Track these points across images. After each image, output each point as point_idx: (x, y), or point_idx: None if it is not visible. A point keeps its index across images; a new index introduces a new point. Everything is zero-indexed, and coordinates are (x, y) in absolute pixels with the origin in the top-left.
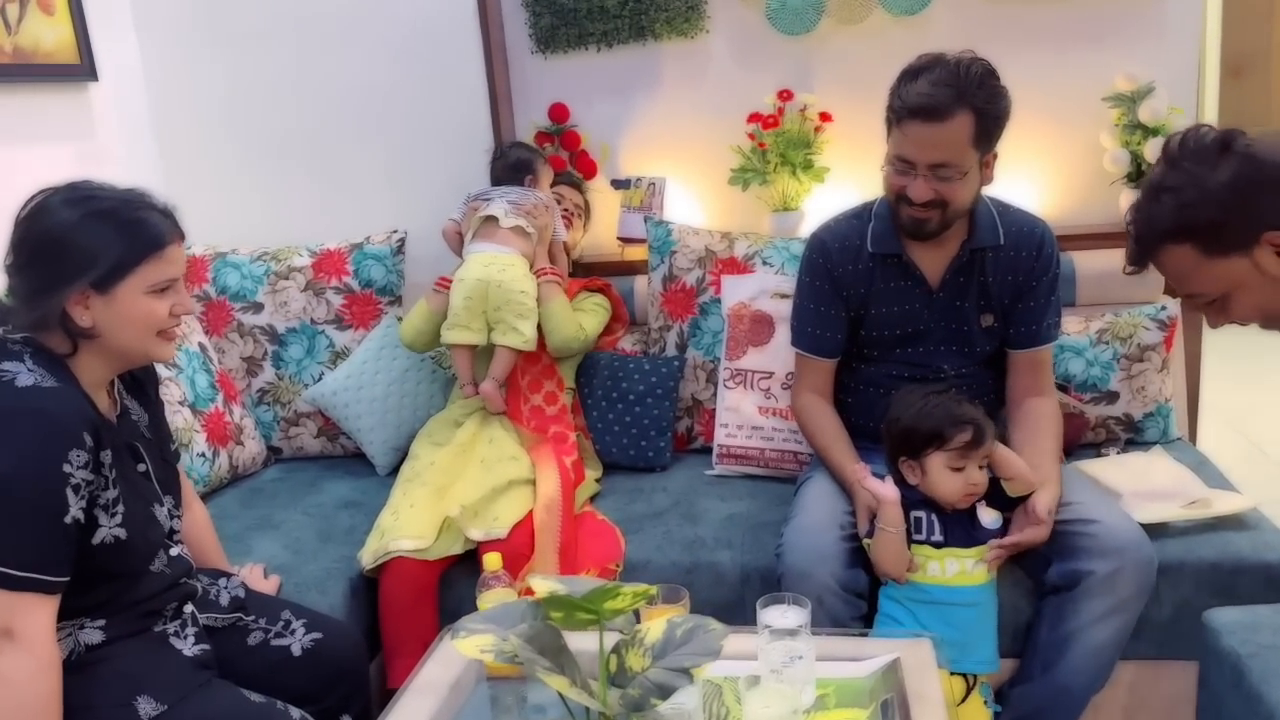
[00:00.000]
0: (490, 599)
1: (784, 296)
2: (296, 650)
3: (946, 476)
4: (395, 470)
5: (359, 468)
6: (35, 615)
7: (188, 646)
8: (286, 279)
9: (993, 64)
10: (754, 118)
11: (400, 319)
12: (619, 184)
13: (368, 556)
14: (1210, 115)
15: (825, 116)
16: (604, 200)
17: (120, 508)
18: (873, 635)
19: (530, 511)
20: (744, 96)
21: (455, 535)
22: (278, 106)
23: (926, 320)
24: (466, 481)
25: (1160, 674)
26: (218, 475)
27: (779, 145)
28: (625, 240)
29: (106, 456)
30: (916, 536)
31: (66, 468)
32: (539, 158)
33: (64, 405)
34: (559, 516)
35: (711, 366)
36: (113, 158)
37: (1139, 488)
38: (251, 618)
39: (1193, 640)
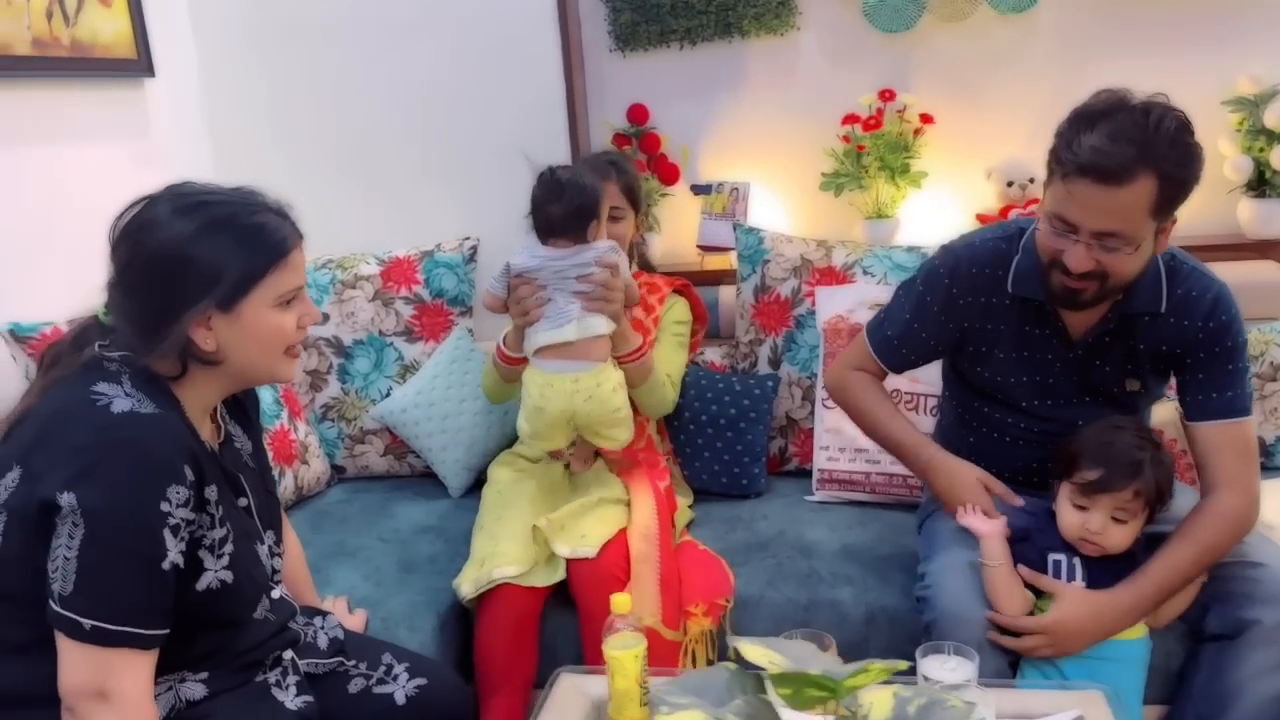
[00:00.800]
0: (617, 643)
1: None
2: (400, 698)
3: (1068, 511)
4: (469, 492)
5: (429, 489)
6: (131, 673)
7: (290, 699)
8: (353, 288)
9: (1183, 118)
10: (849, 119)
11: (471, 330)
12: (699, 189)
13: (468, 585)
14: None
15: (926, 118)
16: (683, 206)
17: (228, 548)
18: (1031, 687)
19: (621, 531)
20: (836, 97)
21: (555, 561)
22: (339, 106)
23: (1059, 375)
24: (557, 499)
25: None
26: (283, 497)
27: (878, 148)
28: (706, 248)
29: (211, 492)
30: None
31: (164, 506)
32: (599, 194)
33: (163, 434)
34: (658, 546)
35: (808, 383)
36: (166, 158)
37: None
38: (352, 662)
39: None
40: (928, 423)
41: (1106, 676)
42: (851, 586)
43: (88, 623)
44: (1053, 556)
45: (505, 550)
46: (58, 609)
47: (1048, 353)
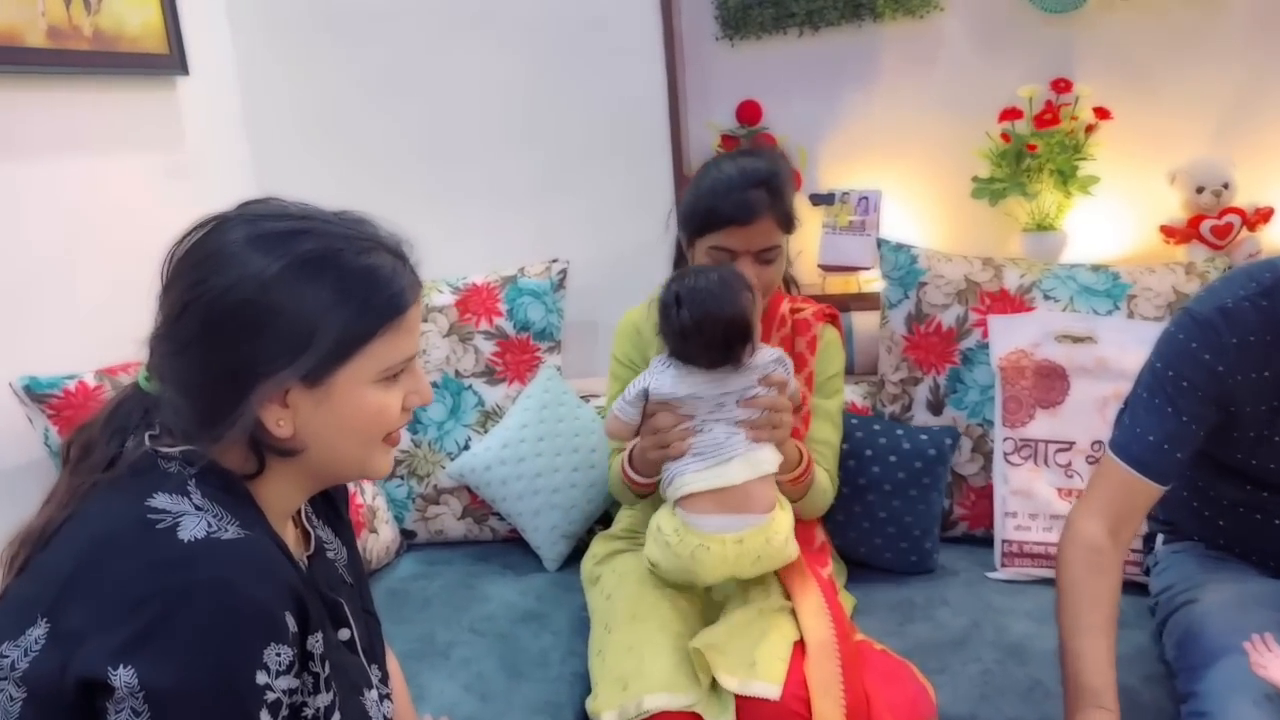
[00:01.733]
0: None
1: (1076, 340)
2: None
3: None
4: (566, 563)
5: (518, 559)
6: None
7: None
8: (425, 321)
9: None
10: (1009, 114)
11: (559, 368)
12: (819, 199)
13: (612, 715)
14: None
15: (1102, 113)
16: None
17: (337, 716)
18: None
19: (796, 648)
20: (985, 90)
21: (721, 692)
22: (396, 108)
23: None
24: (701, 601)
25: None
26: None
27: (1050, 148)
28: (829, 269)
29: (316, 643)
30: None
31: (261, 677)
32: (747, 311)
33: (256, 571)
34: (837, 659)
35: (979, 432)
36: (202, 169)
37: None
38: None
39: None
40: (1050, 477)
41: None
42: None
43: None
44: None
45: (653, 670)
46: None
47: None
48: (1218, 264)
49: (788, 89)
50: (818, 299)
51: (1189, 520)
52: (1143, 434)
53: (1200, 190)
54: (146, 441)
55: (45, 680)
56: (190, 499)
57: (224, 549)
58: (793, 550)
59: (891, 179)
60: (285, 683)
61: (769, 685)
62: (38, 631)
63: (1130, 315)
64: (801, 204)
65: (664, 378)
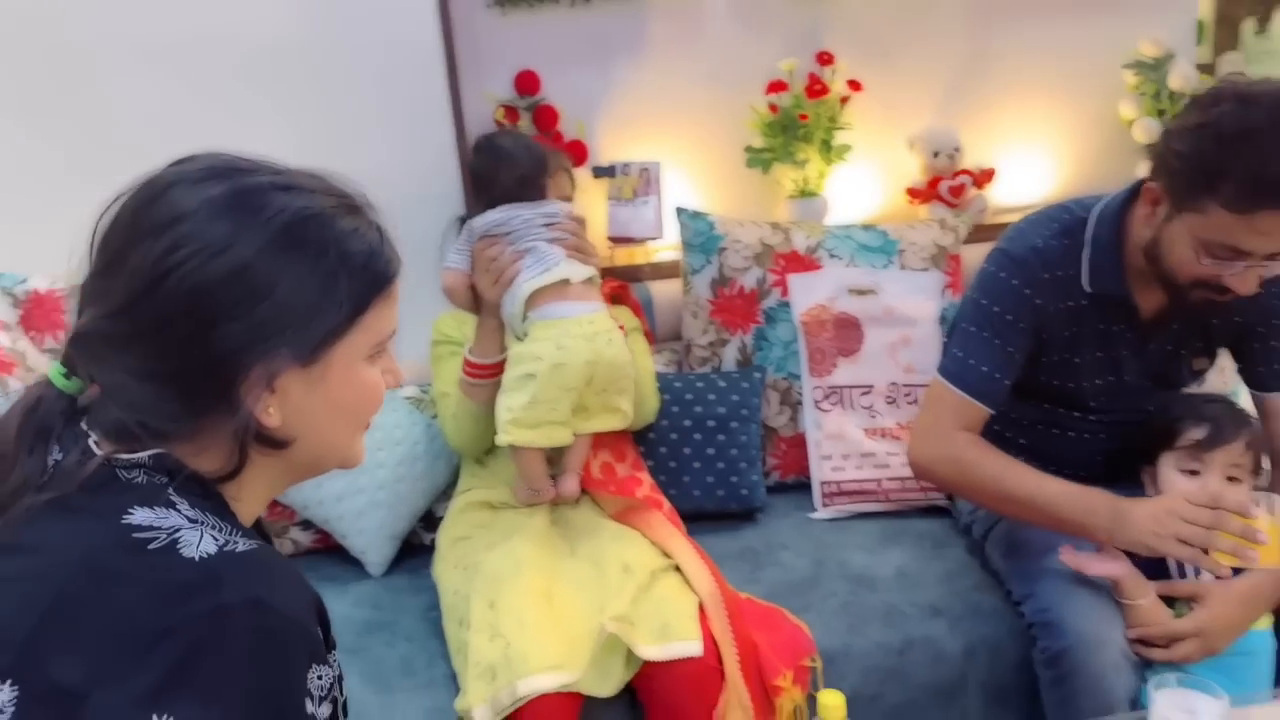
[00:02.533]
0: None
1: (863, 293)
2: None
3: (1178, 482)
4: (393, 566)
5: (334, 569)
6: None
7: None
8: None
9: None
10: (776, 86)
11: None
12: (601, 171)
13: (483, 711)
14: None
15: (854, 85)
16: (581, 193)
17: None
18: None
19: (700, 608)
20: (749, 63)
21: (614, 660)
22: (119, 69)
23: (1133, 368)
24: (582, 578)
25: None
26: None
27: (819, 118)
28: (619, 240)
29: (336, 665)
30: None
31: (310, 706)
32: (544, 152)
33: (288, 587)
34: (724, 610)
35: (786, 385)
36: None
37: None
38: None
39: None
40: (856, 419)
41: (1238, 674)
42: (942, 618)
43: None
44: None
45: (530, 653)
46: None
47: (1123, 349)
48: (963, 219)
49: (563, 60)
50: (610, 274)
51: (993, 442)
52: (976, 364)
53: (936, 154)
54: (94, 449)
55: None
56: (178, 510)
57: (246, 563)
58: (628, 352)
59: (669, 150)
60: (325, 710)
61: (689, 644)
62: (1, 697)
63: (903, 268)
64: (584, 177)
65: (487, 215)
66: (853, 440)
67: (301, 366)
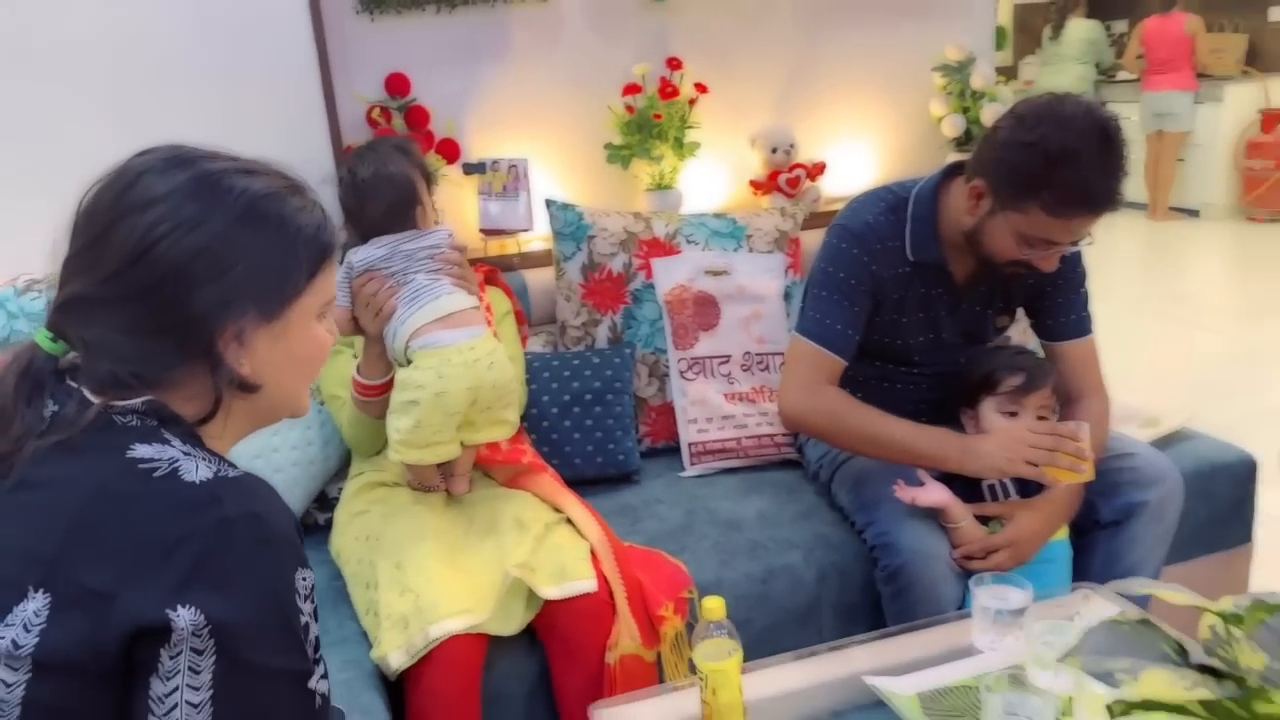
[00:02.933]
0: (713, 652)
1: (718, 274)
2: None
3: (999, 422)
4: None
5: None
6: None
7: None
8: None
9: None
10: (631, 89)
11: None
12: (471, 168)
13: (398, 655)
14: None
15: (701, 88)
16: (454, 188)
17: (324, 650)
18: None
19: (591, 553)
20: (605, 67)
21: (516, 603)
22: None
23: (949, 326)
24: (481, 536)
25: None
26: None
27: (671, 118)
28: (490, 233)
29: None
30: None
31: (300, 602)
32: (411, 179)
33: (276, 505)
34: (612, 553)
35: (653, 359)
36: None
37: None
38: None
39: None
40: (717, 385)
41: (1043, 577)
42: (798, 549)
43: None
44: (986, 482)
45: (439, 601)
46: None
47: (941, 309)
48: (800, 208)
49: (431, 63)
50: (483, 261)
51: None
52: (831, 323)
53: (774, 150)
54: (90, 399)
55: (67, 650)
56: (173, 445)
57: (240, 485)
58: (512, 370)
59: (535, 147)
60: (309, 607)
61: (585, 582)
62: (33, 605)
63: (750, 251)
64: (456, 173)
65: (362, 250)
66: (714, 405)
67: (266, 323)
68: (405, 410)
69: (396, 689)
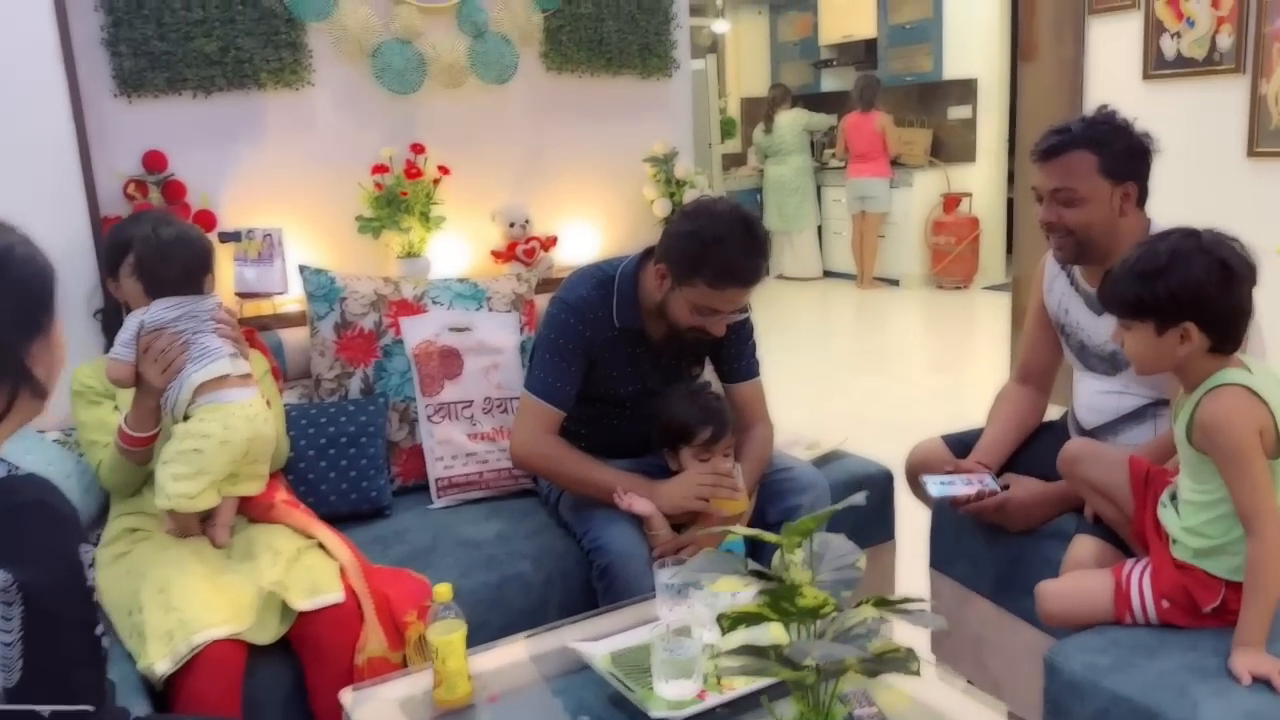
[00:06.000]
0: (443, 629)
1: (461, 330)
2: None
3: (693, 464)
4: None
5: None
6: None
7: None
8: None
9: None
10: (380, 168)
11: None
12: (227, 236)
13: (164, 663)
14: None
15: (444, 169)
16: None
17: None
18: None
19: (341, 572)
20: (356, 148)
21: (271, 616)
22: None
23: (651, 375)
24: (238, 562)
25: None
26: None
27: (417, 195)
28: (246, 295)
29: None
30: None
31: (84, 570)
32: (210, 245)
33: (58, 495)
34: (361, 571)
35: (404, 406)
36: None
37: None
38: None
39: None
40: (461, 427)
41: None
42: (528, 560)
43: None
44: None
45: (201, 614)
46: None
47: (644, 364)
48: (534, 274)
49: (189, 141)
50: (242, 323)
51: (565, 434)
52: (552, 381)
53: (512, 224)
54: None
55: None
56: None
57: (29, 480)
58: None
59: (290, 218)
60: (92, 574)
61: (334, 594)
62: None
63: (491, 310)
64: (212, 240)
65: (153, 310)
66: (459, 444)
67: (46, 338)
68: (185, 459)
69: (161, 702)
